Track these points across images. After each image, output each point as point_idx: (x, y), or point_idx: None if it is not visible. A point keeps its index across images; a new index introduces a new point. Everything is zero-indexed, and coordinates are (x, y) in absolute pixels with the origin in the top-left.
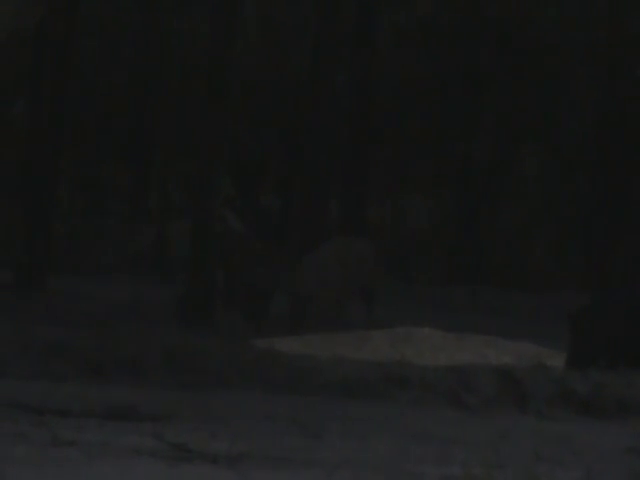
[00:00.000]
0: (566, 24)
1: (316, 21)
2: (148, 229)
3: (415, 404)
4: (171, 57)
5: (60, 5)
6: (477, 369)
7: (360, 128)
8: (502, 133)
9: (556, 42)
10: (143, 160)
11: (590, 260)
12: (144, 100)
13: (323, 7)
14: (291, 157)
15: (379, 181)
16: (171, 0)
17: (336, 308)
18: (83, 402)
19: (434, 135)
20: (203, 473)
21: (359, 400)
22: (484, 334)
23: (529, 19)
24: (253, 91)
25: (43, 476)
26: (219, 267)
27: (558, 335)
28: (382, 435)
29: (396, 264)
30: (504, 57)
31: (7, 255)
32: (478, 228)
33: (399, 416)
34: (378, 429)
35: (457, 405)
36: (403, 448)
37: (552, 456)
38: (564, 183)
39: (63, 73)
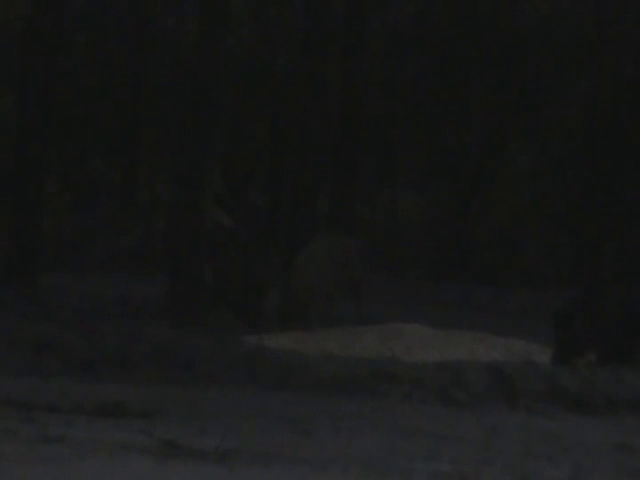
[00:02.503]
0: (555, 21)
1: (306, 17)
2: (137, 226)
3: (405, 400)
4: (159, 53)
5: (49, 0)
6: (467, 365)
7: (350, 124)
8: (492, 130)
9: (546, 39)
10: (132, 156)
11: (580, 257)
12: (133, 96)
13: (313, 3)
14: (280, 153)
15: (369, 177)
16: None
17: (328, 305)
18: (72, 398)
19: (424, 131)
20: (192, 469)
21: (349, 396)
22: (474, 330)
23: (519, 16)
24: (242, 87)
25: (32, 472)
26: (208, 264)
27: (548, 332)
28: (372, 431)
29: (386, 260)
30: (494, 53)
31: None
32: (468, 225)
33: (389, 412)
34: (368, 425)
35: (447, 401)
36: (393, 444)
37: (541, 452)
38: (554, 180)
39: (51, 69)
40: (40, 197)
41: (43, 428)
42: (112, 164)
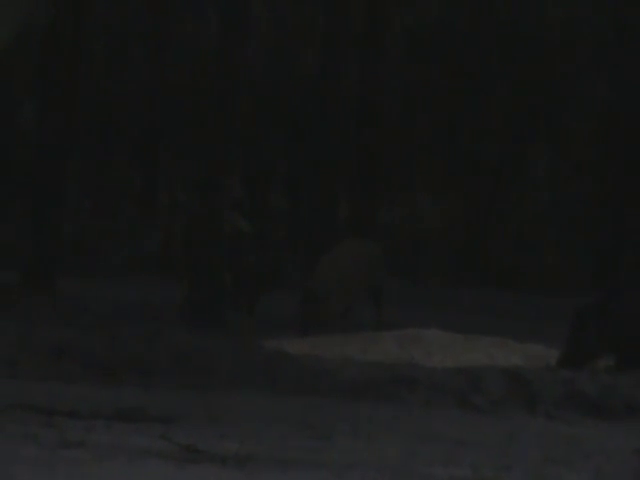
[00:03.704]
0: (574, 24)
1: (325, 22)
2: (157, 230)
3: (424, 405)
4: (179, 58)
5: (69, 6)
6: (486, 370)
7: (370, 128)
8: (511, 134)
9: (565, 43)
10: (151, 161)
11: (600, 261)
12: (153, 101)
13: (332, 8)
14: (300, 157)
15: (389, 182)
16: (180, 1)
17: (348, 308)
18: (92, 403)
19: (444, 136)
20: (212, 474)
21: (368, 401)
22: (493, 335)
23: (537, 19)
24: (262, 91)
25: (52, 477)
26: (227, 268)
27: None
28: (391, 436)
29: (405, 265)
30: (513, 58)
31: (15, 256)
32: (487, 229)
33: (408, 417)
34: (387, 430)
35: (466, 406)
36: (412, 449)
37: (561, 457)
38: (573, 184)
39: (72, 74)
40: (60, 202)
41: (63, 433)
42: (132, 169)
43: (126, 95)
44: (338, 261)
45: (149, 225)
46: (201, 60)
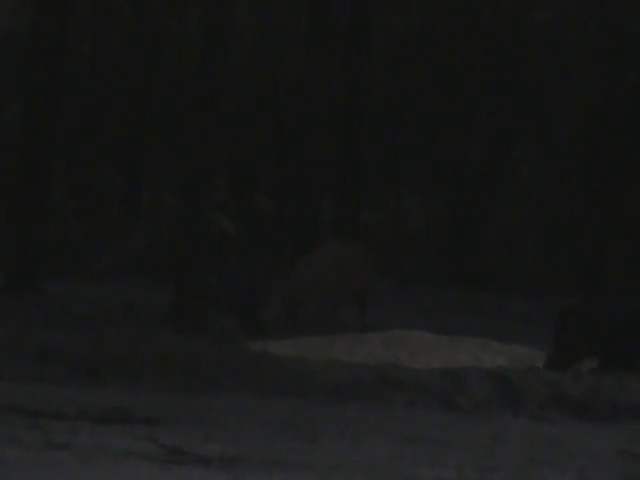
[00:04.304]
0: (560, 28)
1: (310, 23)
2: (142, 232)
3: (409, 406)
4: (164, 59)
5: (53, 7)
6: (471, 372)
7: (354, 130)
8: (496, 135)
9: (550, 46)
10: (136, 162)
11: (583, 262)
12: (137, 103)
13: (317, 9)
14: (285, 159)
15: (373, 183)
16: (164, 2)
17: (331, 311)
18: (77, 405)
19: (428, 137)
20: (197, 476)
21: (353, 403)
22: (478, 337)
23: (524, 21)
24: (246, 93)
25: (37, 479)
26: (212, 270)
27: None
28: (376, 437)
29: (390, 266)
30: (498, 61)
31: (0, 257)
32: (472, 231)
33: (393, 418)
34: (372, 431)
35: (451, 408)
36: (397, 450)
37: (545, 458)
38: (557, 187)
39: (56, 75)
40: (45, 204)
41: (48, 435)
42: (117, 171)
43: (111, 96)
44: (317, 262)
45: (134, 226)
46: (185, 61)
